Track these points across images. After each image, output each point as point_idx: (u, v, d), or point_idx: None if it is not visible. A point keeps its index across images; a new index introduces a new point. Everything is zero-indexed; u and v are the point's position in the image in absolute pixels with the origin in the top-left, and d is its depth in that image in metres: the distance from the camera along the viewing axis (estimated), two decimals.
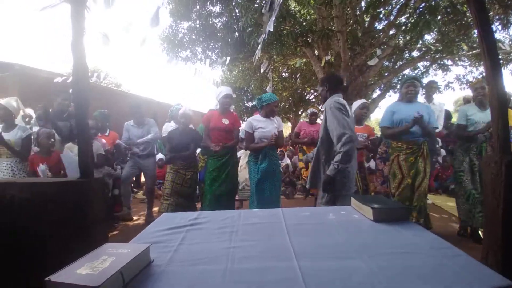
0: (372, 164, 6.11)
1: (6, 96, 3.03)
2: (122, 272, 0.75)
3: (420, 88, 3.41)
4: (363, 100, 3.31)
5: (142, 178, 4.28)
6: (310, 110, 4.86)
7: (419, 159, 2.77)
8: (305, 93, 15.62)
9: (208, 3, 7.06)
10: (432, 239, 1.03)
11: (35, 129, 3.29)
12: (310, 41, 6.84)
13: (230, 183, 3.33)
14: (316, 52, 7.57)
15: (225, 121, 3.30)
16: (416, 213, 2.73)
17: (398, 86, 2.95)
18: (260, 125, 3.14)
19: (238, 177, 3.58)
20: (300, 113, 16.96)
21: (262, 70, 6.83)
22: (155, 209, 4.18)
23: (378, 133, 5.01)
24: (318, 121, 5.08)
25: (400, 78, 10.76)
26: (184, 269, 0.86)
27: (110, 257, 0.82)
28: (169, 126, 4.17)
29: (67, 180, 2.00)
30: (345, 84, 7.16)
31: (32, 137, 3.07)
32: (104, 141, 3.72)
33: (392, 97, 11.87)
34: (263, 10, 3.18)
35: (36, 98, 3.99)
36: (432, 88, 4.13)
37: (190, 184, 3.49)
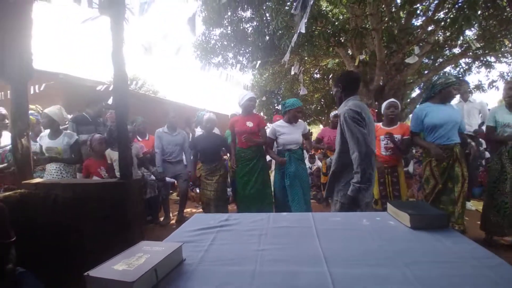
0: (410, 167, 5.77)
1: (51, 104, 3.27)
2: (156, 269, 0.79)
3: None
4: (391, 99, 3.14)
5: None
6: (333, 112, 4.73)
7: (455, 163, 2.60)
8: None
9: (239, 8, 7.20)
10: (472, 248, 0.96)
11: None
12: (343, 40, 6.67)
13: (261, 186, 3.34)
14: (349, 51, 7.37)
15: (249, 124, 3.33)
16: (460, 219, 2.59)
17: (434, 83, 2.70)
18: (284, 131, 3.15)
19: (270, 179, 3.58)
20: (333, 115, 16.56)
21: (292, 72, 6.79)
22: (187, 210, 4.33)
23: None
24: None
25: (441, 75, 10.12)
26: (214, 269, 0.88)
27: (145, 254, 0.86)
28: (197, 132, 4.23)
29: (107, 181, 2.14)
30: (381, 84, 6.88)
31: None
32: (142, 145, 3.92)
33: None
34: (293, 11, 3.17)
35: (80, 105, 4.28)
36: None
37: (216, 188, 3.50)
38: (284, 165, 3.11)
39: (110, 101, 5.30)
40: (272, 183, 3.45)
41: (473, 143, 3.17)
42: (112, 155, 3.21)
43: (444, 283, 0.75)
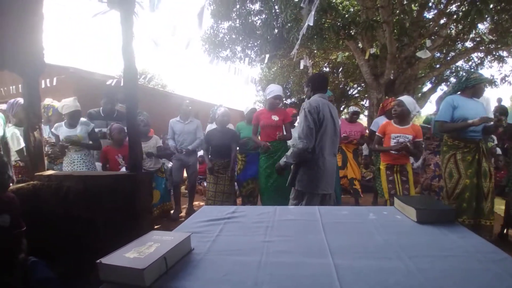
0: (418, 164, 5.67)
1: (62, 97, 3.36)
2: (166, 258, 0.82)
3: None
4: (400, 98, 3.04)
5: (185, 174, 4.49)
6: (352, 108, 4.62)
7: (482, 158, 2.58)
8: (348, 88, 15.06)
9: (248, 1, 7.14)
10: (478, 242, 0.96)
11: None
12: (353, 33, 6.57)
13: (284, 178, 3.37)
14: (360, 44, 7.25)
15: (275, 118, 3.34)
16: (492, 215, 2.58)
17: (452, 79, 2.69)
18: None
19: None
20: (341, 109, 16.43)
21: (301, 66, 6.72)
22: (196, 203, 4.37)
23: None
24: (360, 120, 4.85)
25: (453, 70, 9.88)
26: (221, 259, 0.90)
27: (155, 243, 0.89)
28: (212, 128, 4.27)
29: (118, 173, 2.19)
30: (391, 78, 6.76)
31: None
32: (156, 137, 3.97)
33: (444, 91, 10.93)
34: (302, 4, 3.13)
35: (90, 99, 4.36)
36: None
37: (225, 183, 3.57)
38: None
39: (75, 99, 5.37)
40: None
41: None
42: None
43: (448, 276, 0.76)
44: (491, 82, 9.41)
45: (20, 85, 2.41)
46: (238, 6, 7.20)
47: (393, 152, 2.85)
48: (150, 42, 3.65)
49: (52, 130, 3.21)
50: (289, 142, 3.60)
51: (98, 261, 0.79)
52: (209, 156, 3.74)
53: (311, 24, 3.13)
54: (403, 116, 2.89)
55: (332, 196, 2.38)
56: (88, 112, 3.74)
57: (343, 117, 4.70)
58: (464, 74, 2.77)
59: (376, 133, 3.10)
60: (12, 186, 1.87)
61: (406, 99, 2.94)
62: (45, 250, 1.66)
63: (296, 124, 4.16)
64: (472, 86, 2.65)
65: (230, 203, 3.53)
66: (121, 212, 1.81)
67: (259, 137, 3.51)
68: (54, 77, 6.19)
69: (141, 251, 0.84)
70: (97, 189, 1.88)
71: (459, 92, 2.74)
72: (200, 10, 3.61)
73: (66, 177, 1.97)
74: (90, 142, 3.24)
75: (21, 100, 3.07)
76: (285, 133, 3.40)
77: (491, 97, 4.71)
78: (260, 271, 0.81)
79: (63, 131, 3.12)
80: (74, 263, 1.69)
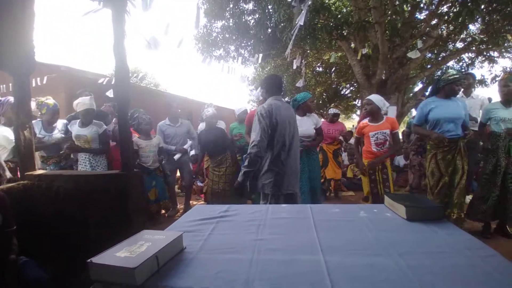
0: (401, 161, 5.75)
1: (52, 96, 3.31)
2: (157, 256, 0.82)
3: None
4: (368, 97, 3.10)
5: (177, 174, 4.48)
6: (332, 110, 4.77)
7: (457, 156, 2.67)
8: (340, 88, 15.16)
9: (241, 1, 7.13)
10: (466, 239, 0.98)
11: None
12: (345, 34, 6.62)
13: None
14: (352, 45, 7.31)
15: None
16: (457, 209, 2.65)
17: (439, 78, 2.75)
18: (298, 124, 3.19)
19: None
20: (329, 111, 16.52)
21: (294, 66, 6.74)
22: (193, 202, 4.38)
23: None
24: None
25: (443, 70, 10.03)
26: (213, 257, 0.90)
27: (146, 242, 0.89)
28: (203, 126, 4.25)
29: (109, 173, 2.17)
30: (383, 78, 6.84)
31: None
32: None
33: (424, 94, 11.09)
34: (293, 3, 3.14)
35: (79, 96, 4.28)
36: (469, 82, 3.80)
37: (225, 180, 3.57)
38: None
39: (110, 93, 5.32)
40: None
41: (471, 130, 3.16)
42: (140, 142, 3.48)
43: (437, 273, 0.78)
44: (482, 82, 9.58)
45: (10, 84, 2.38)
46: (231, 6, 7.19)
47: (374, 149, 2.92)
48: (144, 42, 3.59)
49: (68, 126, 3.21)
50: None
51: (89, 260, 0.78)
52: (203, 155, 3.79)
53: (302, 23, 3.15)
54: (374, 113, 2.98)
55: (297, 195, 2.39)
56: (67, 117, 3.67)
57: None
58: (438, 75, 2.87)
59: (355, 135, 3.19)
60: (2, 186, 1.84)
61: (373, 97, 3.04)
62: (36, 250, 1.64)
63: None
64: (442, 87, 2.73)
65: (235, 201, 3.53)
66: (112, 211, 1.80)
67: None
68: (45, 76, 6.09)
69: (133, 250, 0.83)
70: (88, 188, 1.87)
71: (436, 95, 2.82)
72: (197, 11, 3.60)
73: (57, 177, 1.95)
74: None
75: (11, 99, 3.02)
76: None
77: (485, 96, 4.76)
78: (252, 269, 0.82)
79: (74, 129, 3.12)
80: (65, 262, 1.67)
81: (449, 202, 2.66)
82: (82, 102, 3.10)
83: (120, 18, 1.95)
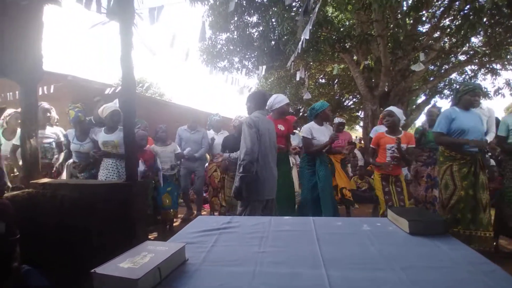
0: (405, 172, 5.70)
1: (59, 105, 3.39)
2: (160, 268, 0.82)
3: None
4: (389, 108, 3.11)
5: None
6: (337, 119, 4.75)
7: (479, 171, 2.60)
8: (343, 99, 15.24)
9: (245, 14, 7.27)
10: (469, 254, 0.97)
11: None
12: (348, 46, 6.71)
13: (288, 188, 3.38)
14: (354, 57, 7.40)
15: (281, 127, 3.35)
16: (490, 226, 2.60)
17: (446, 92, 2.80)
18: (316, 134, 3.26)
19: (292, 180, 3.60)
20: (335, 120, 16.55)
21: (298, 78, 6.82)
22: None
23: None
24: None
25: (446, 83, 10.07)
26: (216, 269, 0.91)
27: (149, 253, 0.89)
28: (209, 135, 4.53)
29: (114, 182, 2.19)
30: (386, 90, 6.88)
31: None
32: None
33: (439, 103, 11.12)
34: (297, 17, 3.20)
35: (88, 107, 4.36)
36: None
37: None
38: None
39: (116, 103, 5.40)
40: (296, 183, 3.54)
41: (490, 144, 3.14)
42: (156, 149, 3.77)
43: (439, 287, 0.77)
44: (485, 95, 9.59)
45: (17, 92, 2.43)
46: (236, 18, 7.33)
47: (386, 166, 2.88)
48: (148, 51, 3.73)
49: (92, 135, 3.25)
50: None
51: (92, 270, 0.79)
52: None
53: (307, 37, 3.20)
54: (395, 126, 2.96)
55: (274, 200, 2.59)
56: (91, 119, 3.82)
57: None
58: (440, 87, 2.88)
59: (370, 146, 3.14)
60: (7, 194, 1.85)
61: (395, 109, 3.03)
62: (39, 259, 1.64)
63: (296, 131, 4.25)
64: (459, 98, 2.74)
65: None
66: (116, 221, 1.81)
67: None
68: (51, 85, 6.18)
69: (136, 261, 0.84)
70: (93, 197, 1.88)
71: (456, 106, 2.80)
72: (202, 25, 3.68)
73: (61, 186, 1.97)
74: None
75: (44, 104, 3.22)
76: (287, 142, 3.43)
77: (492, 108, 4.80)
78: (254, 282, 0.82)
79: (101, 136, 3.15)
80: (68, 271, 1.67)
81: (463, 219, 2.58)
82: (107, 107, 3.16)
83: (127, 30, 2.00)
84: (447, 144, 2.73)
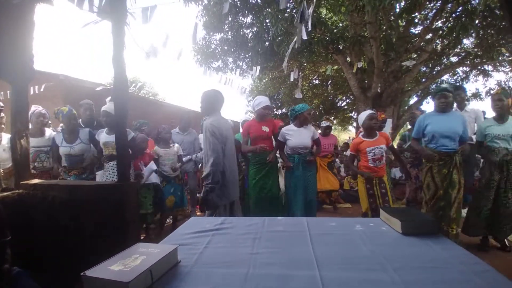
0: (397, 173, 5.76)
1: (50, 105, 3.31)
2: (151, 270, 0.81)
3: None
4: (370, 111, 3.12)
5: None
6: (324, 123, 4.77)
7: (453, 170, 2.68)
8: (337, 100, 15.35)
9: (239, 14, 7.28)
10: (461, 254, 0.98)
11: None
12: (341, 48, 6.75)
13: (276, 189, 3.41)
14: (348, 58, 7.45)
15: (265, 129, 3.35)
16: (455, 224, 2.66)
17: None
18: (293, 134, 3.22)
19: (279, 183, 3.61)
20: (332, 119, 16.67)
21: (292, 79, 6.85)
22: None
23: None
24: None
25: (438, 84, 10.22)
26: (209, 271, 0.90)
27: (141, 255, 0.88)
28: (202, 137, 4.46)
29: (105, 183, 2.16)
30: (378, 91, 6.94)
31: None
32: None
33: (430, 104, 11.24)
34: (295, 23, 3.20)
35: (79, 107, 4.30)
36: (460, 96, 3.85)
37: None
38: (290, 169, 3.20)
39: (107, 100, 5.36)
40: (282, 186, 3.53)
41: (466, 144, 3.19)
42: (159, 151, 3.70)
43: (431, 287, 0.78)
44: (476, 96, 9.75)
45: (8, 92, 2.38)
46: (230, 19, 7.33)
47: (371, 165, 2.91)
48: (143, 53, 3.67)
49: (96, 136, 3.19)
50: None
51: (82, 273, 0.77)
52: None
53: (305, 38, 3.20)
54: (370, 129, 2.98)
55: (237, 201, 2.59)
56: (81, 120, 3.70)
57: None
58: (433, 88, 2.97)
59: (350, 152, 3.17)
60: None
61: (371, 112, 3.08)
62: (30, 260, 1.61)
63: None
64: (434, 101, 2.84)
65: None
66: (107, 222, 1.78)
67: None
68: (42, 84, 6.09)
69: (127, 264, 0.83)
70: (84, 199, 1.85)
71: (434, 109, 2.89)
72: (194, 26, 3.65)
73: (52, 187, 1.93)
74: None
75: (40, 109, 3.09)
76: (273, 143, 3.42)
77: (479, 109, 4.83)
78: (247, 284, 0.81)
79: (102, 137, 3.11)
80: (59, 274, 1.64)
81: (444, 215, 2.66)
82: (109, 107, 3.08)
83: (120, 30, 1.98)
84: (415, 150, 2.82)
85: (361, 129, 3.23)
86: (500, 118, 2.79)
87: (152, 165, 3.45)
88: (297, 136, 3.21)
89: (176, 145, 3.96)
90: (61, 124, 3.62)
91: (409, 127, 3.78)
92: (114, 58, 1.95)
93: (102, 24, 2.62)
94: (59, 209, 1.84)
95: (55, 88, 6.69)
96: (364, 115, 3.03)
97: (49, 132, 3.31)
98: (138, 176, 3.25)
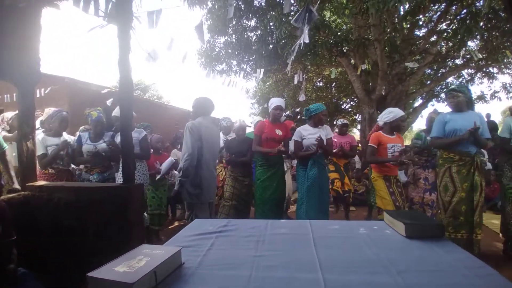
0: (402, 176, 5.73)
1: (56, 107, 3.32)
2: (156, 272, 0.81)
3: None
4: (402, 112, 3.12)
5: None
6: (340, 121, 4.68)
7: (475, 172, 2.58)
8: (341, 103, 15.31)
9: (244, 18, 7.32)
10: (465, 258, 0.98)
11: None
12: (345, 50, 6.75)
13: (281, 191, 3.42)
14: (352, 61, 7.44)
15: (279, 132, 3.37)
16: (479, 229, 2.56)
17: (442, 95, 2.88)
18: (308, 134, 3.23)
19: (285, 185, 3.63)
20: (335, 122, 16.60)
21: (296, 81, 6.85)
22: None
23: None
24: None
25: (443, 86, 10.17)
26: (212, 273, 0.90)
27: (145, 257, 0.89)
28: (221, 138, 4.40)
29: (110, 185, 2.18)
30: (383, 93, 6.91)
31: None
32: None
33: (435, 107, 11.20)
34: (296, 24, 3.22)
35: (85, 109, 4.34)
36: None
37: (248, 190, 3.64)
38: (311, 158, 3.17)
39: (109, 103, 5.42)
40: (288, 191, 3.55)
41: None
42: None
43: None
44: (481, 98, 9.68)
45: (14, 94, 2.42)
46: (234, 22, 7.37)
47: (392, 163, 2.90)
48: (145, 55, 3.71)
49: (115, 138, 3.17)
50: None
51: (87, 274, 0.78)
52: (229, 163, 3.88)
53: (307, 41, 3.22)
54: (399, 129, 3.01)
55: (213, 203, 2.76)
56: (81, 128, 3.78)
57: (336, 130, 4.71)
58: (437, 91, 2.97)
59: (370, 144, 3.09)
60: (3, 196, 1.84)
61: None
62: (35, 261, 1.63)
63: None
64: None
65: (243, 209, 3.63)
66: (112, 224, 1.80)
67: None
68: (48, 87, 6.18)
69: (131, 265, 0.83)
70: (89, 200, 1.87)
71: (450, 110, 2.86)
72: (199, 24, 3.68)
73: (58, 188, 1.96)
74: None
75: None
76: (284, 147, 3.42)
77: (482, 112, 4.80)
78: (250, 286, 0.82)
79: (115, 138, 3.11)
80: (64, 275, 1.65)
81: (465, 221, 2.55)
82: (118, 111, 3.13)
83: (125, 33, 2.01)
84: (443, 146, 2.74)
85: (379, 125, 3.25)
86: None
87: (171, 158, 3.63)
88: (312, 135, 3.23)
89: (176, 151, 4.15)
90: (81, 128, 3.84)
91: (425, 127, 3.74)
92: (119, 61, 1.97)
93: (108, 27, 2.67)
94: (64, 211, 1.87)
95: (60, 90, 6.78)
96: (397, 114, 3.02)
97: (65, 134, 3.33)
98: (155, 173, 3.48)
